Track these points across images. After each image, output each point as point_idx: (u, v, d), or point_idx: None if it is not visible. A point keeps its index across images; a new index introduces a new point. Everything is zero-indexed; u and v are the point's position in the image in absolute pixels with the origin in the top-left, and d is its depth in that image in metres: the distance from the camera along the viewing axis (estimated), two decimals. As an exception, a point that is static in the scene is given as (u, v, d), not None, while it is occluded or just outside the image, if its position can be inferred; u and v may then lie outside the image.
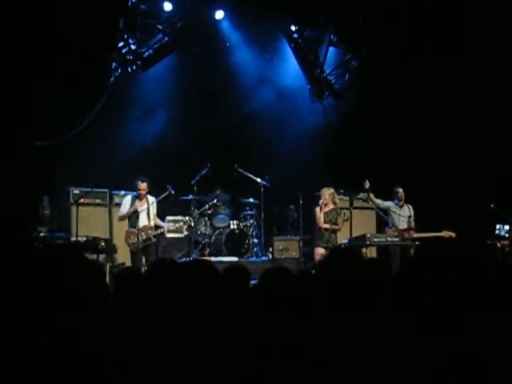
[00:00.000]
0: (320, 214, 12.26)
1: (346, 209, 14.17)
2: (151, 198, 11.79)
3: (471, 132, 13.98)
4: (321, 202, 12.32)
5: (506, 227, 12.77)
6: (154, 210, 11.80)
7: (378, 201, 12.97)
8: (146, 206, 11.63)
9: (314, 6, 13.99)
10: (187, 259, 12.53)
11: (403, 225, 12.71)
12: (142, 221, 11.55)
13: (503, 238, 12.65)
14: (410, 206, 12.95)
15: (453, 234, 11.81)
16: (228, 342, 2.89)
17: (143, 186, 11.59)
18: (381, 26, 14.19)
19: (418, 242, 12.08)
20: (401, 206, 12.93)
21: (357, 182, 13.04)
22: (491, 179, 13.60)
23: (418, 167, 14.26)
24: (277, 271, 4.07)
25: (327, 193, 12.33)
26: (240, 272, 4.43)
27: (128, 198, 11.84)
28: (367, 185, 12.61)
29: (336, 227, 12.30)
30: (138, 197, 11.69)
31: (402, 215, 12.84)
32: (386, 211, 13.10)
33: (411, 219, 12.78)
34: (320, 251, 12.04)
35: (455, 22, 13.40)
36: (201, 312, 3.00)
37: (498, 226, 12.85)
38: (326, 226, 12.17)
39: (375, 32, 14.37)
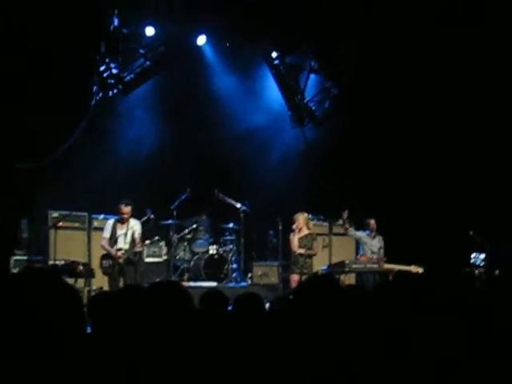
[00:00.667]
0: (294, 239, 12.12)
1: (326, 235, 14.20)
2: (133, 222, 11.68)
3: (449, 159, 14.09)
4: (295, 226, 12.17)
5: (482, 256, 12.85)
6: (136, 234, 11.62)
7: (352, 232, 13.02)
8: (125, 230, 11.53)
9: (295, 33, 14.10)
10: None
11: (374, 255, 12.80)
12: (120, 244, 11.46)
13: (478, 266, 12.72)
14: (381, 238, 13.08)
15: (420, 270, 11.86)
16: (204, 365, 2.87)
17: (126, 209, 11.49)
18: (361, 54, 14.31)
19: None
20: (373, 237, 13.04)
21: (336, 208, 13.08)
22: (468, 208, 13.69)
23: (396, 194, 14.33)
24: (249, 297, 4.08)
25: (301, 217, 12.21)
26: (217, 298, 4.41)
27: (110, 222, 11.75)
28: (345, 215, 12.64)
29: (311, 252, 12.15)
30: (121, 220, 11.60)
31: (374, 245, 12.95)
32: (358, 241, 13.17)
33: (381, 250, 12.92)
34: (295, 278, 11.91)
35: (433, 47, 13.56)
36: (174, 335, 2.98)
37: (473, 255, 12.94)
38: (301, 250, 12.02)
39: (355, 60, 14.49)
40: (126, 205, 11.48)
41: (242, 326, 3.52)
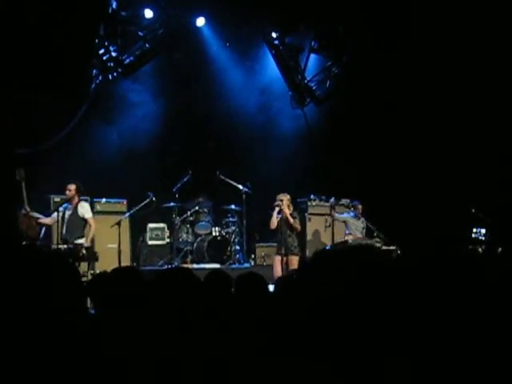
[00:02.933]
0: (273, 217, 11.89)
1: (328, 215, 14.20)
2: (82, 204, 11.64)
3: (451, 136, 14.05)
4: (276, 204, 11.89)
5: (483, 231, 12.87)
6: (85, 215, 11.53)
7: (337, 216, 13.30)
8: (70, 212, 11.50)
9: (295, 13, 14.02)
10: (169, 266, 12.50)
11: (359, 234, 13.20)
12: (63, 229, 11.37)
13: (480, 241, 12.75)
14: (363, 219, 13.42)
15: (394, 248, 12.14)
16: (212, 345, 2.87)
17: (69, 187, 11.44)
18: (361, 33, 14.24)
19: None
20: (358, 218, 13.35)
21: (338, 188, 13.11)
22: (469, 184, 13.68)
23: (398, 172, 14.31)
24: (250, 277, 4.07)
25: (285, 199, 11.89)
26: (222, 278, 4.41)
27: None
28: (333, 202, 12.78)
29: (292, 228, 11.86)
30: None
31: (358, 226, 13.35)
32: (345, 222, 13.38)
33: (364, 230, 13.36)
34: (277, 258, 11.79)
35: (437, 28, 13.48)
36: (183, 319, 2.98)
37: (474, 230, 12.96)
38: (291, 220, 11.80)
39: (356, 39, 14.42)
40: (70, 183, 11.43)
41: (245, 305, 3.51)
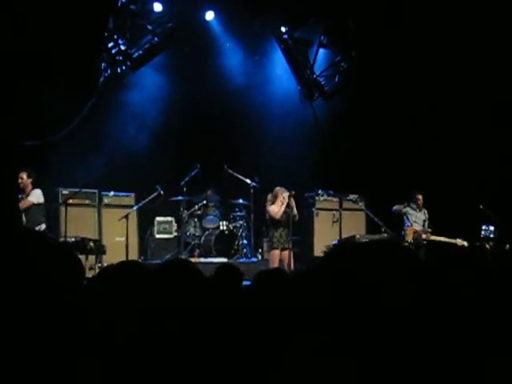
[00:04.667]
0: (275, 207, 11.56)
1: (336, 210, 14.21)
2: (34, 192, 11.44)
3: (459, 132, 14.01)
4: (271, 197, 11.71)
5: (492, 228, 12.85)
6: (30, 198, 11.33)
7: (395, 208, 13.19)
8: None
9: (304, 8, 14.00)
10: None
11: (418, 227, 12.88)
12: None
13: (489, 238, 12.73)
14: (426, 211, 13.08)
15: (465, 244, 11.97)
16: (220, 341, 2.87)
17: (20, 175, 11.29)
18: (371, 28, 14.20)
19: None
20: (419, 210, 13.05)
21: (346, 183, 13.08)
22: (476, 181, 13.65)
23: (406, 167, 14.29)
24: (272, 273, 4.07)
25: (285, 194, 11.71)
26: (233, 272, 4.41)
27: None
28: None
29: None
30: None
31: (419, 218, 12.98)
32: (405, 214, 13.12)
33: (426, 222, 12.93)
34: (275, 253, 11.47)
35: (445, 23, 13.44)
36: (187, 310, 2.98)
37: (483, 227, 12.93)
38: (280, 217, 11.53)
39: (365, 34, 14.39)
40: (22, 172, 11.32)
41: (264, 300, 3.51)
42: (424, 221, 12.93)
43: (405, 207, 13.02)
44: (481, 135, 13.83)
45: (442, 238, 12.43)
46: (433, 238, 12.52)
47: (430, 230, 12.70)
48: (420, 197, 12.99)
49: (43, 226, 11.36)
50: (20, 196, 11.33)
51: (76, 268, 2.72)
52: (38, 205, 11.41)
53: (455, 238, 12.24)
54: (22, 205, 11.20)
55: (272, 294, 3.57)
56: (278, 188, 11.79)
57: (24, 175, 11.32)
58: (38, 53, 11.48)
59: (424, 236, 12.54)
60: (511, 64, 13.13)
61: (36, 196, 11.41)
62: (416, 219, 12.92)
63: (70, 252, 2.72)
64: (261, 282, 3.78)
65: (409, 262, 2.52)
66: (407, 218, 12.99)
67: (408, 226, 12.91)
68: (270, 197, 11.77)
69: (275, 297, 3.50)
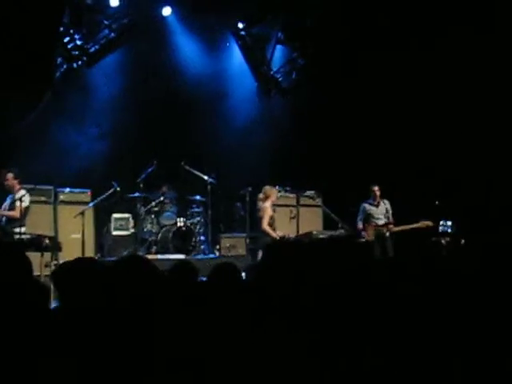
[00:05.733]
0: (268, 212, 11.46)
1: (293, 206, 14.25)
2: (20, 192, 11.21)
3: (415, 128, 14.15)
4: (263, 197, 11.60)
5: (449, 223, 13.00)
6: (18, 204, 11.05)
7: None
8: (9, 200, 11.26)
9: (261, 4, 14.05)
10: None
11: (380, 222, 12.90)
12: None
13: (447, 234, 12.87)
14: (386, 201, 13.03)
15: (430, 224, 12.06)
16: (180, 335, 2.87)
17: (6, 176, 11.15)
18: (327, 25, 14.29)
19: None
20: (376, 204, 13.02)
21: (304, 179, 13.13)
22: (432, 177, 13.81)
23: (362, 164, 14.40)
24: (225, 267, 4.09)
25: (276, 193, 11.90)
26: (188, 269, 4.41)
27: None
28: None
29: (274, 234, 11.43)
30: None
31: (378, 213, 12.97)
32: (364, 212, 13.15)
33: (389, 213, 12.92)
34: None
35: (400, 18, 13.60)
36: (145, 306, 2.98)
37: (441, 222, 13.07)
38: (269, 229, 11.39)
39: (321, 31, 14.47)
40: (7, 172, 11.19)
41: (220, 295, 3.52)
42: (386, 213, 12.95)
43: (362, 203, 13.12)
44: (437, 131, 13.98)
45: (405, 227, 12.53)
46: (396, 229, 12.61)
47: (391, 221, 12.78)
48: (375, 188, 12.96)
49: (23, 229, 11.22)
50: (10, 201, 11.20)
51: (23, 265, 2.70)
52: (27, 208, 11.30)
53: (417, 221, 12.36)
54: (16, 213, 11.06)
55: (225, 287, 3.60)
56: (268, 187, 11.72)
57: (10, 175, 11.15)
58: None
59: (385, 230, 12.63)
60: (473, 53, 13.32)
61: (27, 200, 11.26)
62: (375, 214, 12.99)
63: (17, 249, 2.71)
64: (215, 276, 3.80)
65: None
66: (361, 212, 13.11)
67: (359, 219, 13.02)
68: (261, 195, 11.66)
69: (228, 290, 3.52)
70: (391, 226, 12.67)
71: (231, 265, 4.24)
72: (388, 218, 12.85)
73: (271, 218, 11.50)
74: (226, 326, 2.86)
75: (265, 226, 11.34)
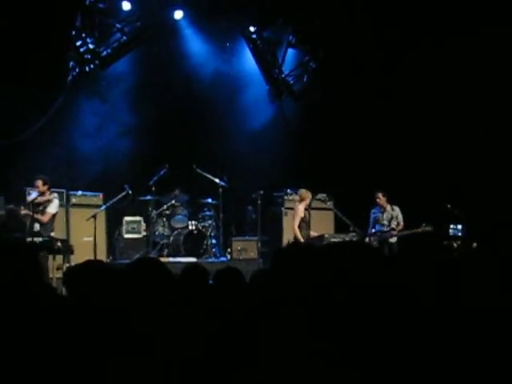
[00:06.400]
0: (298, 215, 11.92)
1: (305, 209, 14.22)
2: (52, 200, 11.46)
3: (428, 131, 14.12)
4: (305, 203, 12.09)
5: (459, 226, 12.99)
6: (47, 208, 11.31)
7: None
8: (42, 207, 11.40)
9: (272, 8, 14.05)
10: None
11: (385, 227, 12.94)
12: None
13: (457, 237, 12.86)
14: (396, 208, 13.05)
15: (430, 229, 12.07)
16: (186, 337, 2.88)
17: (36, 183, 11.30)
18: (338, 28, 14.28)
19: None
20: (382, 211, 13.04)
21: (315, 182, 13.11)
22: (444, 180, 13.77)
23: (374, 168, 14.37)
24: (229, 272, 4.10)
25: (310, 196, 12.19)
26: (198, 272, 4.41)
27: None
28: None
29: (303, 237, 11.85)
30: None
31: (383, 218, 13.00)
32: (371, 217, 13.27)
33: (393, 220, 12.93)
34: None
35: (410, 20, 13.58)
36: (155, 308, 2.99)
37: (451, 226, 13.07)
38: (297, 230, 11.82)
39: (333, 34, 14.46)
40: (37, 180, 11.30)
41: (223, 299, 3.53)
42: (391, 219, 12.98)
43: (371, 209, 13.18)
44: (448, 135, 13.95)
45: (406, 232, 12.55)
46: (396, 234, 12.65)
47: (393, 227, 12.79)
48: (379, 195, 12.99)
49: (52, 234, 11.35)
50: (39, 208, 11.28)
51: (35, 267, 2.72)
52: (55, 214, 11.46)
53: (419, 226, 12.35)
54: (43, 218, 11.22)
55: (230, 292, 3.60)
56: (304, 190, 12.20)
57: (39, 182, 11.27)
58: (5, 51, 11.40)
59: (388, 235, 12.63)
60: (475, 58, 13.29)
61: (55, 207, 11.43)
62: (380, 219, 13.01)
63: (30, 251, 2.72)
64: (218, 280, 3.81)
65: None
66: (370, 218, 13.19)
67: (372, 232, 13.05)
68: (296, 197, 12.37)
69: (233, 295, 3.53)
70: (394, 231, 12.69)
71: (234, 269, 4.25)
72: (396, 223, 12.87)
73: (302, 219, 11.92)
74: (228, 330, 2.87)
75: (295, 226, 11.83)
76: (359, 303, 2.62)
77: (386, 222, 12.91)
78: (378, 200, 12.98)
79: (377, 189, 13.09)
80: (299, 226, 11.82)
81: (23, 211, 11.28)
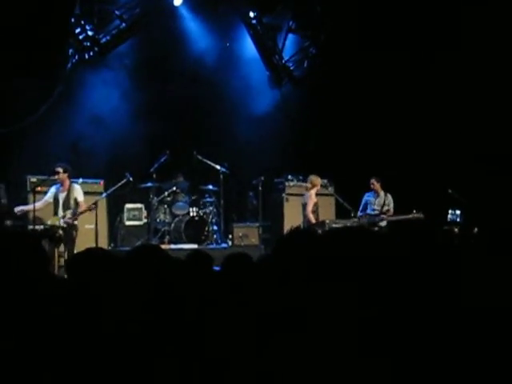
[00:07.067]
0: (311, 203, 11.99)
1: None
2: (74, 187, 11.51)
3: (428, 117, 14.13)
4: (316, 189, 12.22)
5: (458, 212, 13.02)
6: (78, 198, 11.41)
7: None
8: (64, 194, 11.46)
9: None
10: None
11: (375, 211, 13.09)
12: (60, 210, 11.40)
13: (456, 223, 12.90)
14: (389, 195, 13.24)
15: (421, 216, 12.09)
16: (194, 326, 2.88)
17: (56, 170, 11.31)
18: (339, 13, 14.24)
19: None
20: (375, 197, 13.25)
21: (316, 168, 13.11)
22: (444, 165, 13.78)
23: (375, 153, 14.37)
24: (239, 257, 4.09)
25: (321, 181, 12.39)
26: (203, 258, 4.41)
27: (52, 189, 11.62)
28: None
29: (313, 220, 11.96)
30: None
31: (376, 203, 13.19)
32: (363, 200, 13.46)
33: (385, 207, 13.10)
34: None
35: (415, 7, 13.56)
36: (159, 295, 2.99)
37: (450, 211, 13.10)
38: (311, 215, 11.90)
39: (333, 19, 14.42)
40: (57, 168, 11.34)
41: (234, 284, 3.53)
42: (383, 205, 13.13)
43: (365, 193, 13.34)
44: (449, 120, 13.95)
45: (396, 217, 12.63)
46: (387, 219, 12.73)
47: (383, 212, 12.89)
48: (373, 181, 13.20)
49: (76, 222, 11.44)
50: (58, 188, 11.43)
51: (40, 255, 2.71)
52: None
53: (409, 212, 12.41)
54: (82, 207, 11.36)
55: (239, 277, 3.60)
56: (314, 176, 12.31)
57: (60, 169, 11.28)
58: (3, 40, 11.37)
59: (377, 219, 12.76)
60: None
61: (80, 193, 11.55)
62: (372, 203, 13.23)
63: (35, 240, 2.72)
64: (228, 267, 3.81)
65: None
66: (362, 201, 13.40)
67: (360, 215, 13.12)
68: (308, 184, 12.35)
69: (242, 280, 3.52)
70: (384, 215, 12.79)
71: (244, 255, 4.24)
72: (387, 209, 13.04)
73: (315, 204, 12.03)
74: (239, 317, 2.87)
75: (309, 211, 11.87)
76: (366, 287, 2.62)
77: (377, 207, 13.09)
78: (372, 186, 13.15)
79: (376, 175, 13.16)
80: (313, 212, 11.92)
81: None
